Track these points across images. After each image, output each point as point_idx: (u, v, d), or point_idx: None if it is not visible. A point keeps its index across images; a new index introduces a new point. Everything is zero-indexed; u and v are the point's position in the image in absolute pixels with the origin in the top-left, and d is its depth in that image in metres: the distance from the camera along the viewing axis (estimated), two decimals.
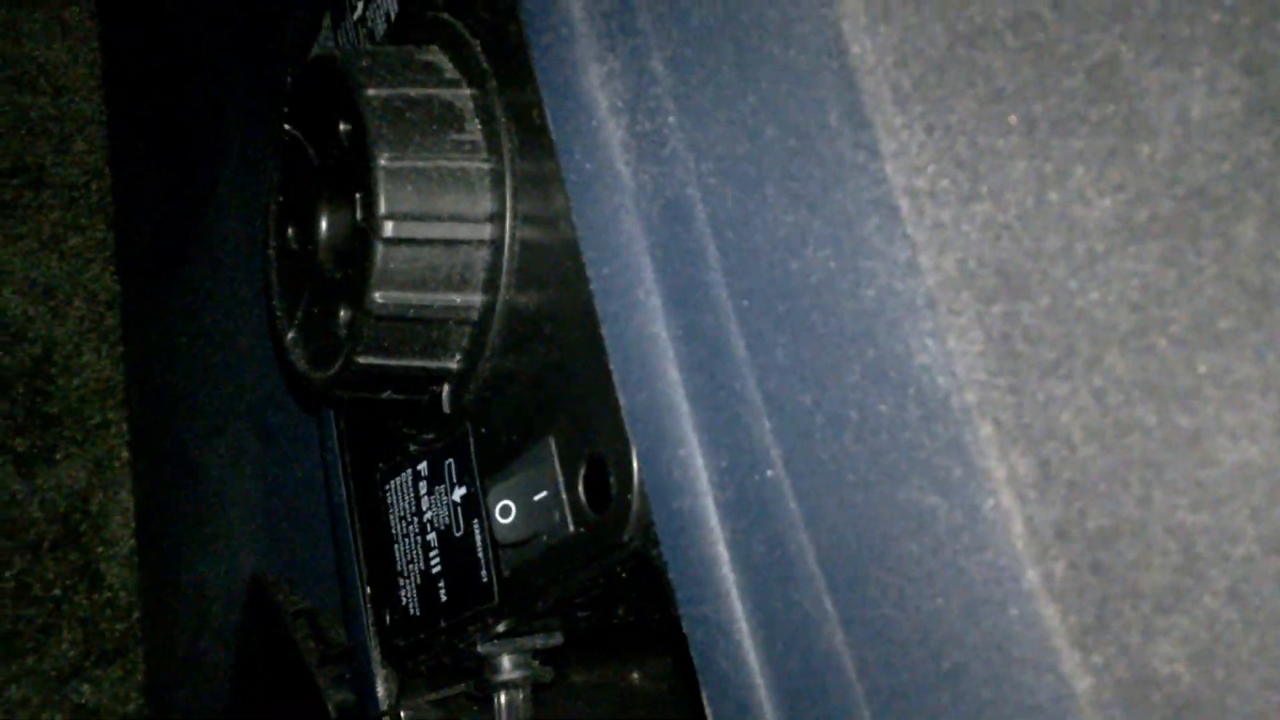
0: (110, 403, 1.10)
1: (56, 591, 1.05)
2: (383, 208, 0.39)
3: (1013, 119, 0.26)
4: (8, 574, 1.04)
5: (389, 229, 0.39)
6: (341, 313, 0.42)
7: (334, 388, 0.43)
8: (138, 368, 1.02)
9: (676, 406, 0.32)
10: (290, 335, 0.46)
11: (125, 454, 1.09)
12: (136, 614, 1.05)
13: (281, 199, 0.48)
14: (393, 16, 0.47)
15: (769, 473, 0.30)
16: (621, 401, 0.33)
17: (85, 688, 1.04)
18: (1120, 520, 0.24)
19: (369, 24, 0.49)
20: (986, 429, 0.26)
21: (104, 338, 1.11)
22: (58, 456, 1.08)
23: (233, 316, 0.77)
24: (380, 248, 0.39)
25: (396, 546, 0.48)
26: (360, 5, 0.50)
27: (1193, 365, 0.24)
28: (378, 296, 0.40)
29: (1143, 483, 0.24)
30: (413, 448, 0.47)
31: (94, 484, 1.08)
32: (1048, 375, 0.25)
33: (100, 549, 1.07)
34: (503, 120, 0.40)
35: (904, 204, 0.27)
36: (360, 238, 0.40)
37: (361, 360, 0.41)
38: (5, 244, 1.12)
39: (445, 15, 0.43)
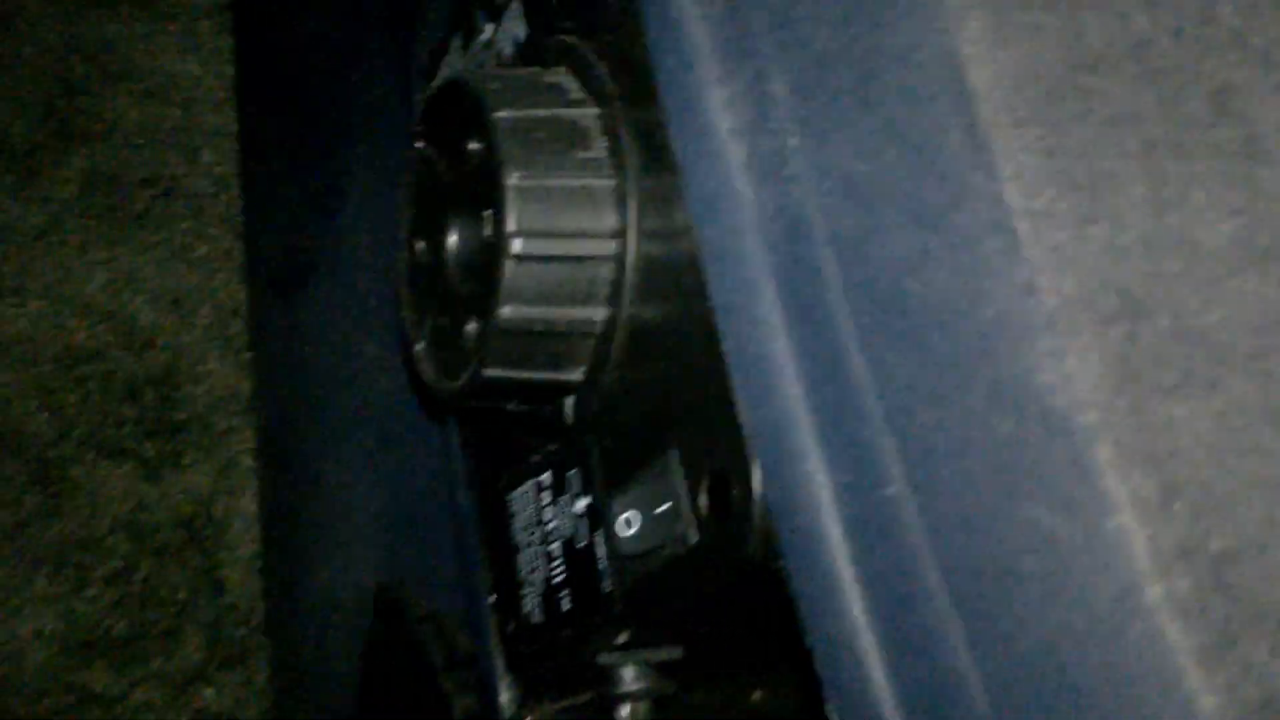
0: (234, 410, 1.14)
1: (181, 595, 1.09)
2: (511, 225, 0.41)
3: (1131, 143, 0.27)
4: (136, 577, 1.08)
5: (517, 245, 0.41)
6: (469, 325, 0.44)
7: (462, 398, 0.45)
8: (265, 377, 1.06)
9: (798, 422, 0.33)
10: (419, 347, 0.48)
11: (248, 461, 1.12)
12: (256, 620, 1.09)
13: (413, 214, 0.50)
14: (521, 40, 0.49)
15: (891, 489, 0.31)
16: (743, 417, 0.34)
17: (208, 691, 1.08)
18: (1244, 540, 0.25)
19: (497, 46, 0.51)
20: (1107, 449, 0.26)
21: (229, 345, 1.15)
22: (184, 462, 1.12)
23: (357, 328, 0.80)
24: (508, 264, 0.41)
25: (519, 555, 0.50)
26: (489, 29, 0.52)
27: None
28: (506, 311, 0.41)
29: (1265, 503, 0.25)
30: (535, 458, 0.49)
31: (218, 490, 1.12)
32: (1168, 396, 0.26)
33: (223, 554, 1.11)
34: (627, 139, 0.41)
35: (1023, 226, 0.28)
36: (489, 253, 0.42)
37: (489, 372, 0.43)
38: (138, 253, 1.16)
39: (572, 39, 0.45)
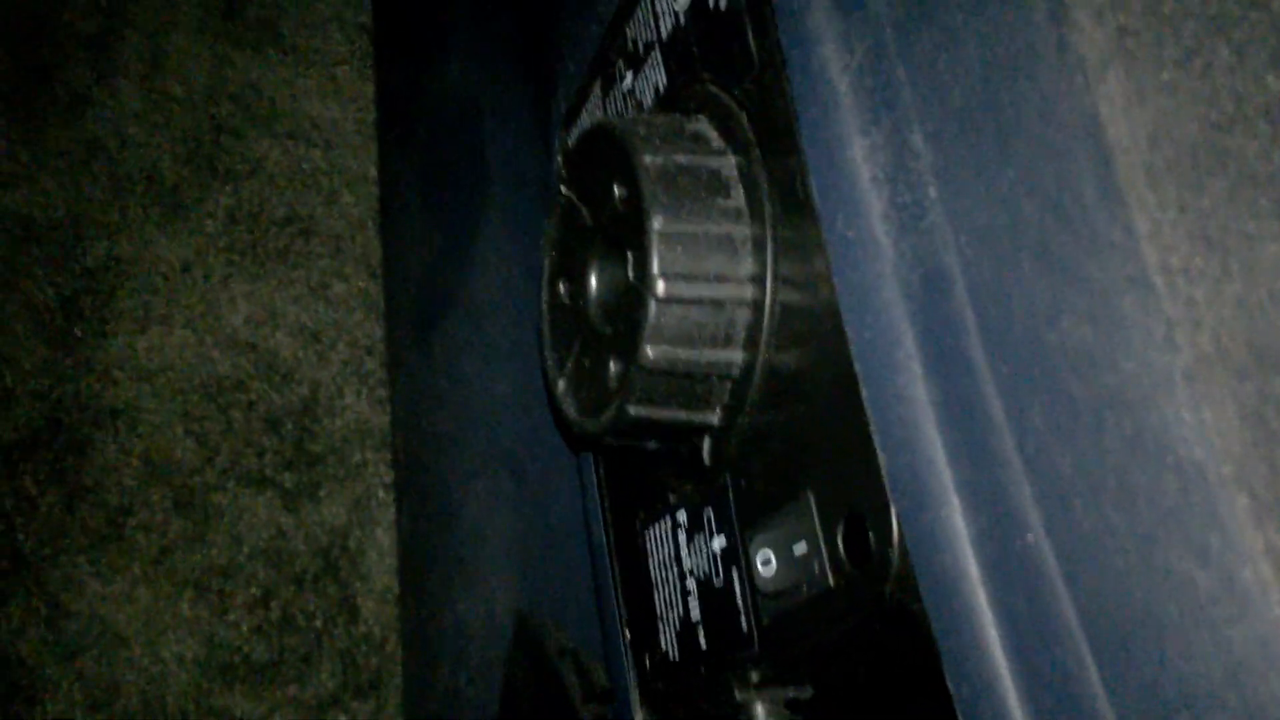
0: (369, 444, 1.17)
1: (318, 623, 1.12)
2: (656, 267, 0.42)
3: (1264, 202, 0.28)
4: (274, 604, 1.11)
5: (662, 288, 0.42)
6: (612, 365, 0.46)
7: (604, 436, 0.47)
8: (402, 412, 1.09)
9: (937, 468, 0.34)
10: (561, 385, 0.50)
11: (382, 494, 1.16)
12: (390, 648, 1.12)
13: (555, 256, 0.52)
14: (661, 88, 0.51)
15: (1029, 535, 0.32)
16: (882, 461, 0.36)
17: (342, 718, 1.11)
18: None
19: (638, 95, 0.53)
20: (1243, 500, 0.27)
21: (364, 381, 1.19)
22: (321, 494, 1.15)
23: (491, 365, 0.82)
24: (653, 305, 0.42)
25: (656, 592, 0.51)
26: (629, 76, 0.53)
27: None
28: (649, 351, 0.43)
29: None
30: (672, 497, 0.50)
31: (352, 521, 1.15)
32: None
33: (358, 584, 1.14)
34: (765, 188, 0.43)
35: (1159, 281, 0.29)
36: (633, 295, 0.44)
37: (632, 411, 0.45)
38: (279, 288, 1.20)
39: (713, 88, 0.46)
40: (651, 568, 0.52)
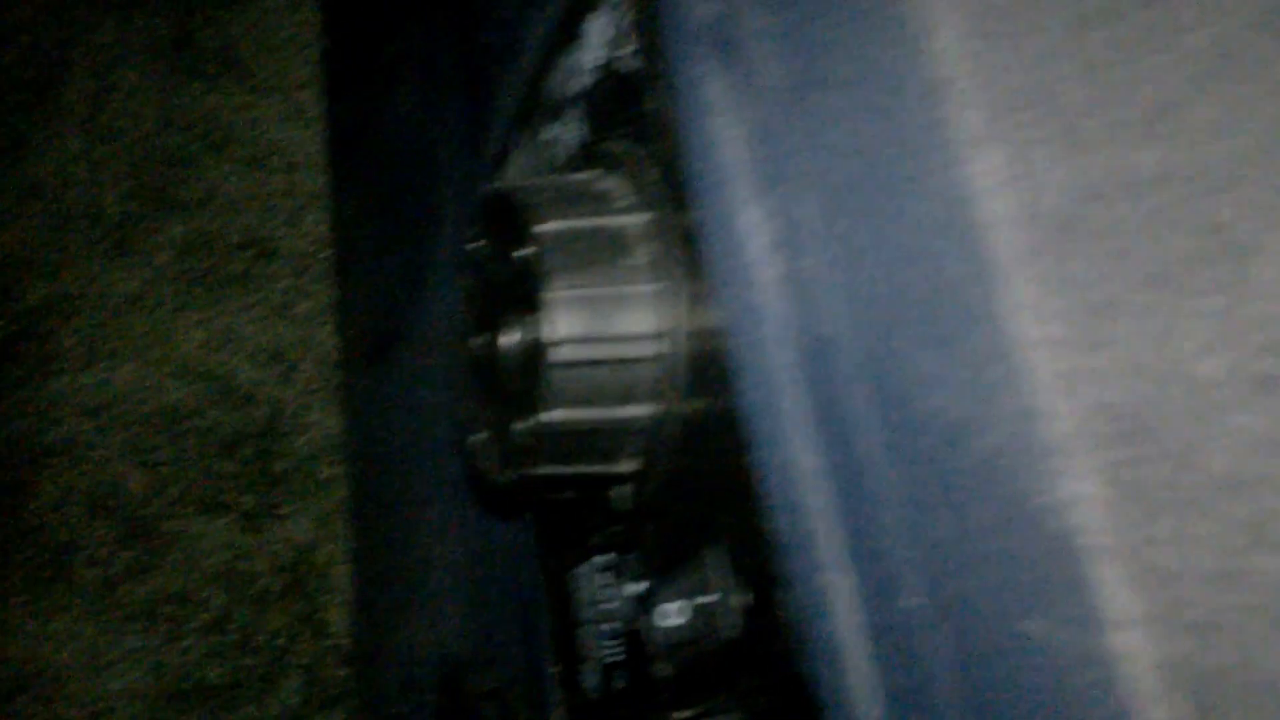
0: (337, 458, 1.16)
1: (280, 641, 1.12)
2: (552, 333, 0.42)
3: (1133, 276, 0.28)
4: (231, 626, 1.11)
5: (557, 353, 0.42)
6: (521, 423, 0.46)
7: (516, 491, 0.47)
8: (355, 439, 1.09)
9: (823, 533, 0.34)
10: (478, 439, 0.50)
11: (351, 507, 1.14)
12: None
13: (472, 309, 0.52)
14: (578, 141, 0.51)
15: (912, 600, 0.32)
16: (771, 525, 0.36)
17: None
18: (1237, 663, 0.26)
19: (557, 146, 0.53)
20: (1105, 569, 0.27)
21: (333, 395, 1.18)
22: (284, 512, 1.15)
23: (439, 398, 0.82)
24: (550, 370, 0.43)
25: (579, 632, 0.52)
26: (550, 128, 0.54)
27: None
28: (549, 415, 0.43)
29: (1258, 626, 0.26)
30: (596, 539, 0.50)
31: (320, 537, 1.14)
32: (1164, 519, 0.27)
33: (325, 597, 1.13)
34: (673, 245, 0.43)
35: (1029, 353, 0.29)
36: (535, 357, 0.44)
37: (539, 471, 0.45)
38: (238, 312, 1.19)
39: (622, 146, 0.46)
40: (576, 608, 0.52)
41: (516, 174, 0.59)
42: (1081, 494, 0.28)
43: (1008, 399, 0.30)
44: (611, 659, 0.48)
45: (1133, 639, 0.27)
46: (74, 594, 1.08)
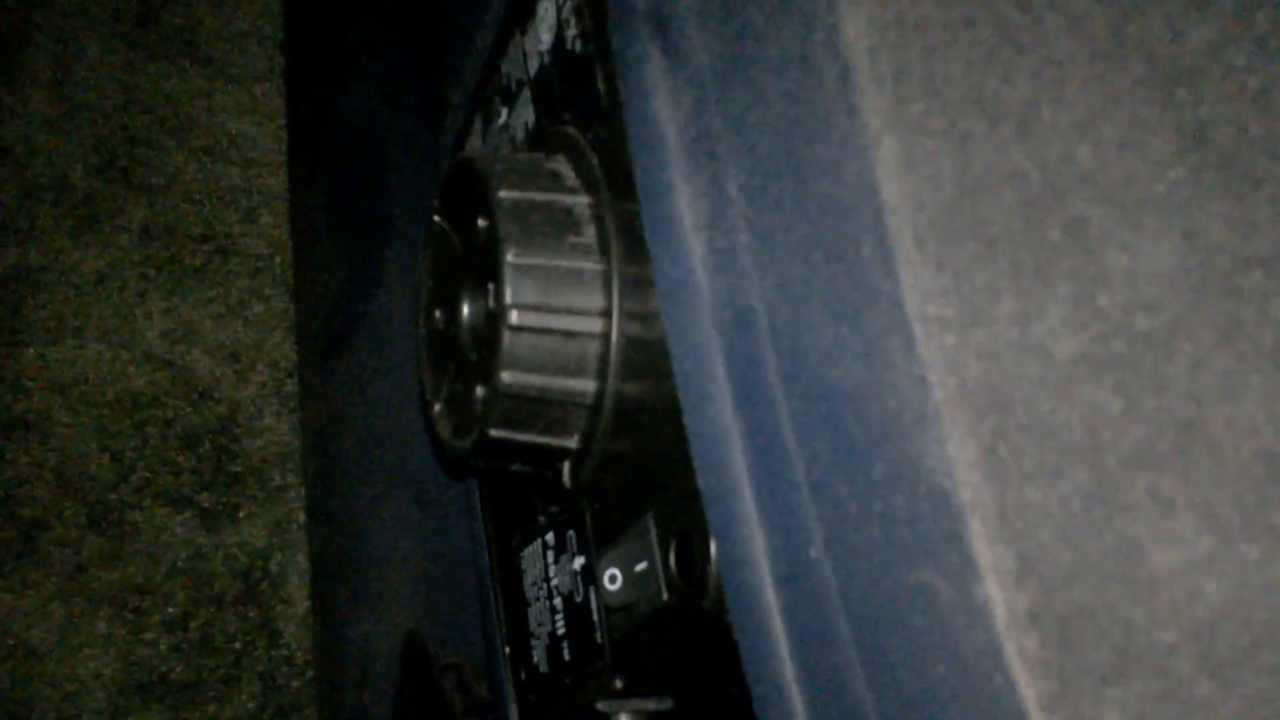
0: (289, 467, 1.22)
1: (237, 645, 1.17)
2: (508, 298, 0.48)
3: (1004, 263, 0.34)
4: (193, 624, 1.16)
5: (514, 317, 0.48)
6: (478, 390, 0.51)
7: (471, 457, 0.52)
8: (313, 436, 1.14)
9: (741, 491, 0.39)
10: (436, 408, 0.55)
11: (302, 517, 1.20)
12: (311, 673, 1.17)
13: (431, 284, 0.57)
14: (530, 126, 0.56)
15: (812, 552, 0.37)
16: (699, 485, 0.41)
17: None
18: (1079, 607, 0.31)
19: (511, 130, 0.58)
20: (976, 525, 0.33)
21: (284, 403, 1.24)
22: (240, 515, 1.20)
23: (396, 392, 0.87)
24: (507, 333, 0.48)
25: (529, 609, 0.57)
26: (505, 112, 0.59)
27: (1134, 482, 0.31)
28: (505, 376, 0.48)
29: (1096, 577, 0.31)
30: (542, 519, 0.56)
31: (273, 544, 1.20)
32: (1025, 482, 0.32)
33: (279, 607, 1.19)
34: (612, 227, 0.48)
35: (918, 329, 0.34)
36: (492, 323, 0.49)
37: (493, 433, 0.50)
38: (197, 305, 1.25)
39: (571, 130, 0.52)
40: (526, 586, 0.57)
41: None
42: (957, 458, 0.33)
43: (899, 370, 0.35)
44: (558, 632, 0.54)
45: (996, 587, 0.32)
46: (44, 572, 1.13)
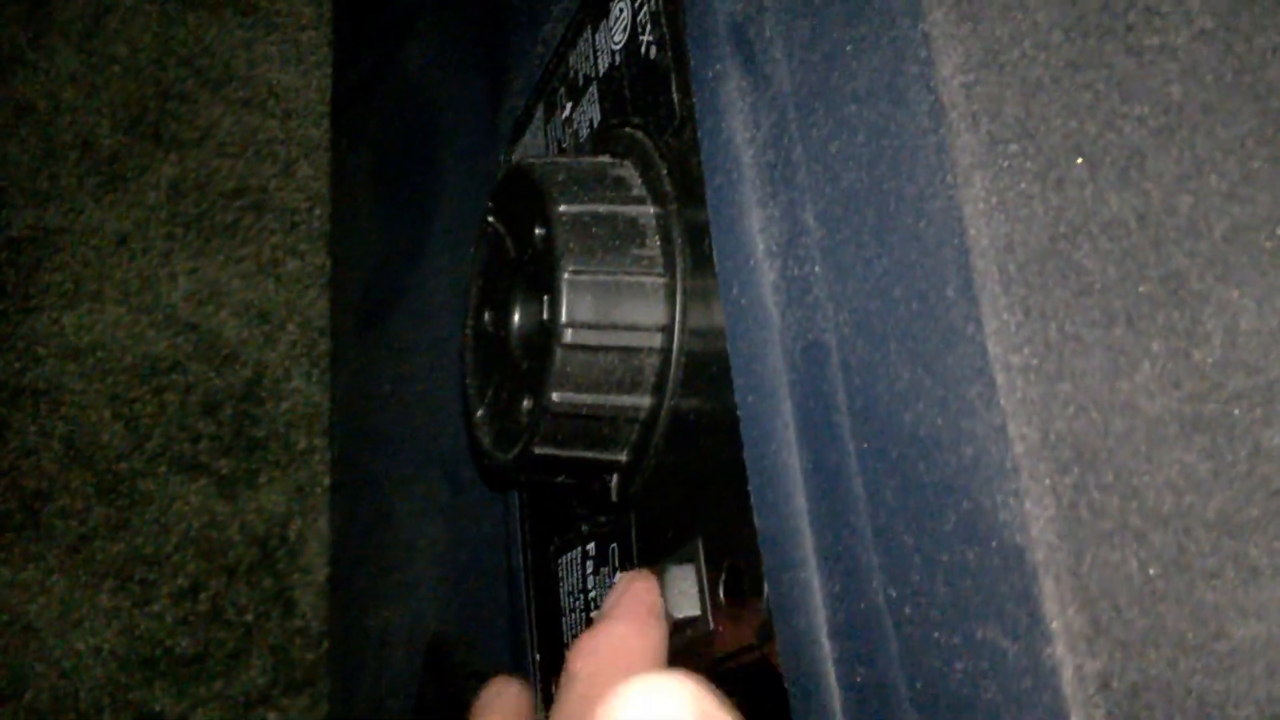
0: (316, 428, 1.23)
1: (249, 617, 1.18)
2: (563, 316, 0.48)
3: (1096, 312, 0.34)
4: (203, 595, 1.17)
5: (568, 336, 0.48)
6: (525, 402, 0.51)
7: (513, 470, 0.53)
8: (342, 405, 1.14)
9: (800, 532, 0.40)
10: (479, 414, 0.56)
11: (327, 481, 1.21)
12: (326, 645, 1.17)
13: (481, 283, 0.58)
14: (595, 124, 0.56)
15: (874, 603, 0.37)
16: (756, 521, 0.42)
17: (272, 715, 1.16)
18: (1152, 677, 0.31)
19: (575, 125, 0.58)
20: (1050, 585, 0.33)
21: (315, 364, 1.24)
22: (260, 480, 1.21)
23: (435, 369, 0.88)
24: (559, 351, 0.48)
25: (563, 618, 0.57)
26: (569, 107, 0.59)
27: (1218, 548, 0.31)
28: (555, 396, 0.49)
29: (1171, 647, 0.31)
30: (584, 528, 0.56)
31: (293, 510, 1.20)
32: (1103, 543, 0.33)
33: (295, 576, 1.19)
34: (679, 240, 0.49)
35: (1000, 377, 0.35)
36: (545, 336, 0.50)
37: (538, 450, 0.50)
38: (225, 265, 1.25)
39: (640, 134, 0.52)
40: (562, 595, 0.58)
41: (532, 148, 0.65)
42: (1034, 514, 0.34)
43: (978, 418, 0.35)
44: None
45: (1067, 651, 0.33)
46: (46, 544, 1.14)
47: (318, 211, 1.28)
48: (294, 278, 1.26)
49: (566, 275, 0.48)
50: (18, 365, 1.19)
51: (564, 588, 0.58)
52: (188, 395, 1.21)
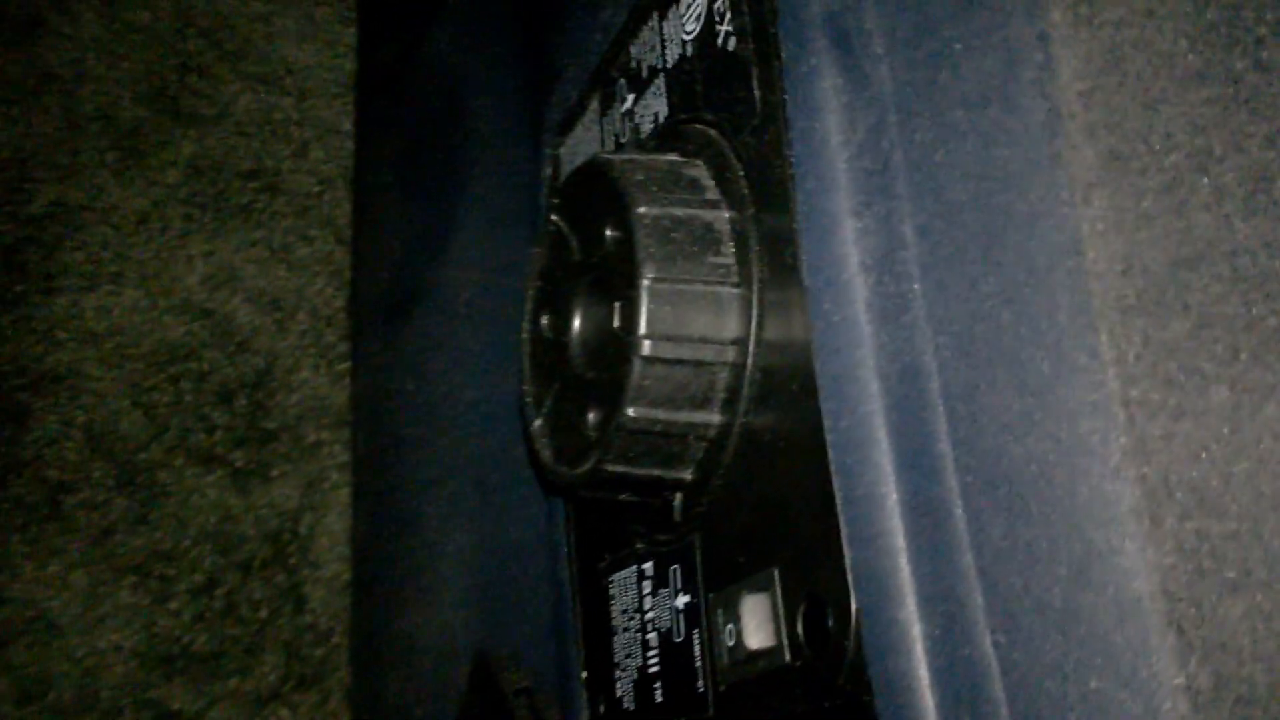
0: (325, 422, 1.22)
1: (262, 613, 1.17)
2: (643, 327, 0.47)
3: (1219, 347, 0.33)
4: (218, 592, 1.16)
5: (647, 348, 0.47)
6: (591, 414, 0.50)
7: (580, 488, 0.51)
8: (363, 402, 1.13)
9: (899, 569, 0.39)
10: (538, 424, 0.55)
11: (336, 475, 1.20)
12: (337, 640, 1.17)
13: (540, 286, 0.56)
14: (660, 118, 0.55)
15: (979, 648, 0.36)
16: (846, 553, 0.40)
17: (284, 712, 1.16)
18: None
19: (637, 119, 0.57)
20: (1171, 637, 0.32)
21: (324, 354, 1.23)
22: (273, 474, 1.20)
23: (461, 369, 0.87)
24: (638, 364, 0.47)
25: (615, 638, 0.56)
26: (630, 99, 0.58)
27: None
28: (631, 411, 0.47)
29: None
30: (640, 546, 0.55)
31: (305, 504, 1.20)
32: (1227, 594, 0.32)
33: (306, 571, 1.19)
34: (756, 248, 0.47)
35: (1120, 412, 0.34)
36: (617, 346, 0.48)
37: (609, 468, 0.49)
38: (240, 249, 1.24)
39: (713, 131, 0.51)
40: (614, 613, 0.57)
41: (585, 142, 0.64)
42: (1155, 562, 0.33)
43: (1095, 456, 0.34)
44: (649, 669, 0.53)
45: (1187, 707, 0.32)
46: (69, 537, 1.14)
47: (327, 196, 1.27)
48: (303, 264, 1.25)
49: (648, 284, 0.47)
50: (39, 350, 1.18)
51: (616, 605, 0.57)
52: (203, 383, 1.20)
